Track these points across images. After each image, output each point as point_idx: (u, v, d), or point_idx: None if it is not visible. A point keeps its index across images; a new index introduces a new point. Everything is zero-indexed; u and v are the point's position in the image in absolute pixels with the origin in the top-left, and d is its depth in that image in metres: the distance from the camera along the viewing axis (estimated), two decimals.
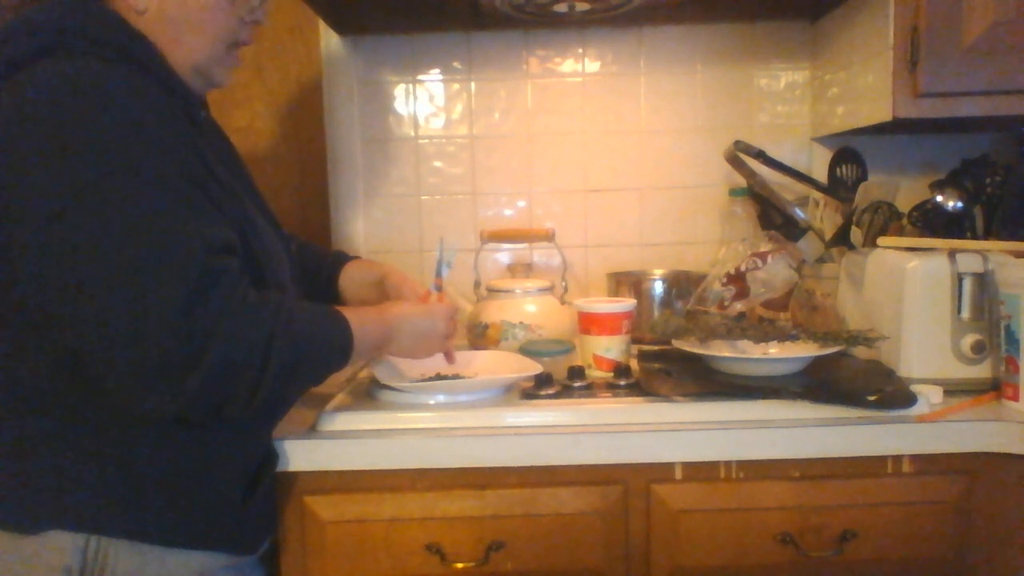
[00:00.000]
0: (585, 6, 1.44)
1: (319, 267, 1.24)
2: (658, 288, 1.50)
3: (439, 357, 1.25)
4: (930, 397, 1.09)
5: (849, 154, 1.53)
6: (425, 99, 1.69)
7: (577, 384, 1.15)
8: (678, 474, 1.06)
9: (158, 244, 0.80)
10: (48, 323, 0.84)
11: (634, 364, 1.24)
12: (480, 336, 1.40)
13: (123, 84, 0.84)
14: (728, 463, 1.06)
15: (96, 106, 0.82)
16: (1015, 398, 1.09)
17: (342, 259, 1.28)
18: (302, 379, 0.92)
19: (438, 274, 1.18)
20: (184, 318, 0.78)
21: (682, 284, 1.50)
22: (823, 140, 1.65)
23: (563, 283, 1.49)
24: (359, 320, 0.99)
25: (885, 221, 1.33)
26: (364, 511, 1.05)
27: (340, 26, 1.62)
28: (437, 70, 1.68)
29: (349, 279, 1.25)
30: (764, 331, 1.25)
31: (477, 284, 1.50)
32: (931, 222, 1.30)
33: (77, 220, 0.79)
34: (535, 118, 1.69)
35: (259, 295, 0.86)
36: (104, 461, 0.88)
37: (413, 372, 1.21)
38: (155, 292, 0.78)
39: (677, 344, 1.23)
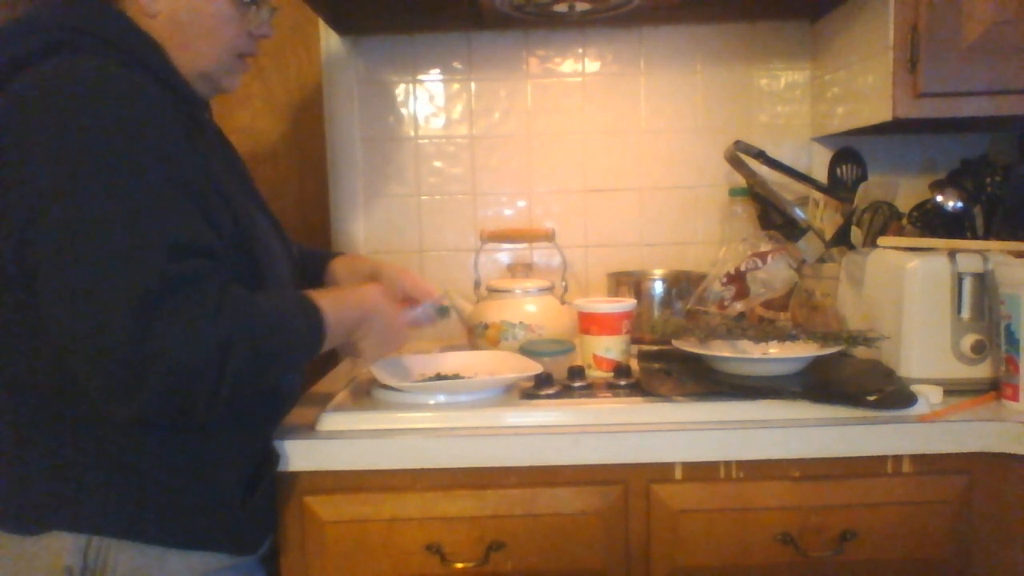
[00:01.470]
0: (585, 6, 1.44)
1: (305, 265, 1.24)
2: (658, 288, 1.50)
3: (439, 357, 1.26)
4: (930, 397, 1.09)
5: (849, 154, 1.53)
6: (425, 99, 1.69)
7: (577, 384, 1.15)
8: (678, 474, 1.06)
9: (121, 247, 0.79)
10: (39, 321, 0.84)
11: (634, 364, 1.24)
12: (480, 336, 1.40)
13: (123, 85, 0.84)
14: (728, 463, 1.06)
15: (90, 106, 0.82)
16: (1015, 398, 1.09)
17: (328, 255, 1.28)
18: (271, 375, 0.91)
19: (438, 311, 1.17)
20: (135, 325, 0.77)
21: (682, 284, 1.50)
22: (823, 140, 1.65)
23: (563, 283, 1.49)
24: (333, 304, 0.97)
25: (885, 221, 1.33)
26: (364, 511, 1.05)
27: (340, 26, 1.62)
28: (437, 70, 1.68)
29: (339, 274, 1.24)
30: (764, 331, 1.25)
31: (477, 284, 1.50)
32: (931, 222, 1.30)
33: (51, 217, 0.80)
34: (535, 118, 1.69)
35: (220, 298, 0.84)
36: (104, 462, 0.88)
37: (413, 372, 1.21)
38: (112, 297, 0.78)
39: (677, 344, 1.23)
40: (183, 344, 0.79)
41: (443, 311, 1.18)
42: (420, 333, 1.38)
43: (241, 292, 0.87)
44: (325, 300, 0.96)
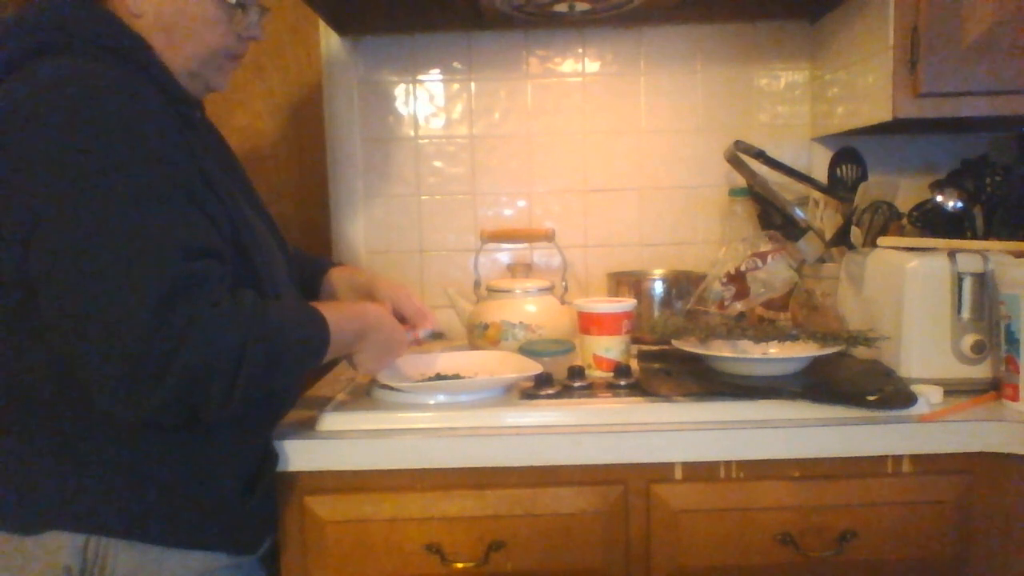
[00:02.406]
0: (585, 6, 1.44)
1: (302, 272, 1.23)
2: (658, 288, 1.50)
3: (439, 357, 1.25)
4: (930, 397, 1.09)
5: (849, 154, 1.53)
6: (425, 99, 1.69)
7: (577, 384, 1.15)
8: (678, 474, 1.06)
9: (132, 249, 0.79)
10: (40, 324, 0.84)
11: (634, 364, 1.24)
12: (480, 336, 1.40)
13: (117, 85, 0.84)
14: (728, 463, 1.06)
15: (88, 108, 0.82)
16: (1015, 398, 1.09)
17: (324, 265, 1.28)
18: (278, 380, 0.91)
19: (431, 335, 1.19)
20: (153, 325, 0.78)
21: (682, 284, 1.50)
22: (823, 140, 1.65)
23: (563, 283, 1.49)
24: (337, 317, 0.98)
25: (885, 221, 1.33)
26: (364, 511, 1.05)
27: (340, 26, 1.62)
28: (437, 70, 1.68)
29: (336, 284, 1.24)
30: (764, 331, 1.25)
31: (477, 284, 1.50)
32: (931, 222, 1.30)
33: (55, 220, 0.79)
34: (535, 118, 1.69)
35: (234, 300, 0.85)
36: (104, 462, 0.88)
37: (413, 372, 1.21)
38: (125, 298, 0.78)
39: (677, 344, 1.23)
40: (203, 345, 0.80)
41: (436, 336, 1.19)
42: None
43: (253, 295, 0.88)
44: (329, 312, 0.97)
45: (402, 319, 1.18)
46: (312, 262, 1.27)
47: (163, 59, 0.94)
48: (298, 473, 1.04)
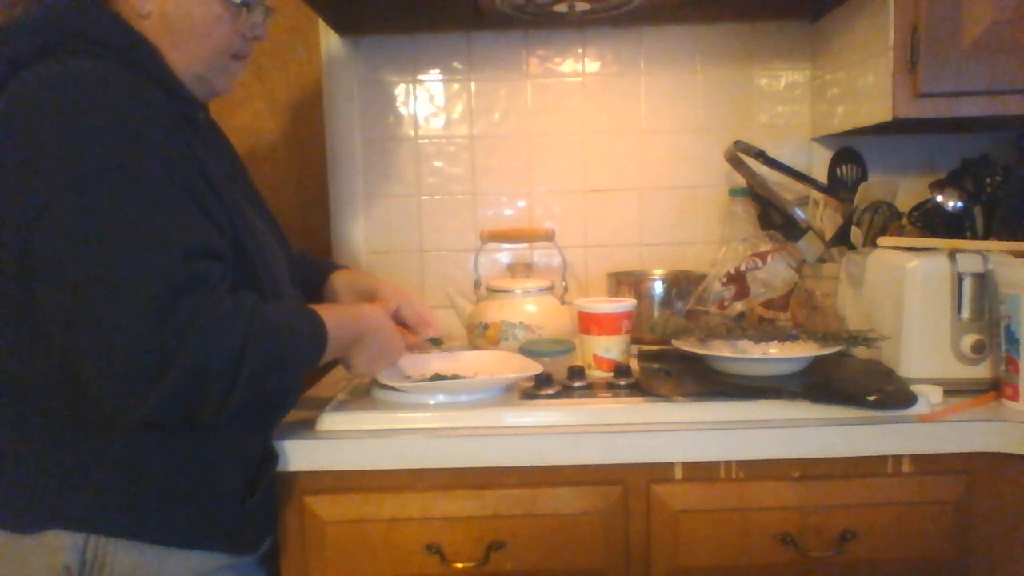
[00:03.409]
0: (585, 6, 1.44)
1: (305, 274, 1.24)
2: (658, 288, 1.50)
3: (439, 357, 1.26)
4: (930, 397, 1.09)
5: (849, 154, 1.53)
6: (425, 99, 1.69)
7: (577, 384, 1.15)
8: (678, 474, 1.06)
9: (133, 249, 0.79)
10: (41, 323, 0.84)
11: (634, 364, 1.24)
12: (480, 336, 1.40)
13: (120, 86, 0.85)
14: (728, 463, 1.06)
15: (91, 108, 0.82)
16: (1015, 398, 1.09)
17: (328, 268, 1.28)
18: (276, 382, 0.91)
19: (432, 341, 1.20)
20: (153, 325, 0.78)
21: (682, 284, 1.50)
22: (823, 140, 1.65)
23: (563, 283, 1.49)
24: (334, 319, 0.98)
25: (885, 221, 1.33)
26: (364, 511, 1.05)
27: (340, 26, 1.62)
28: (437, 70, 1.68)
29: (339, 288, 1.25)
30: (764, 331, 1.25)
31: (477, 284, 1.50)
32: (931, 222, 1.30)
33: (57, 219, 0.79)
34: (535, 118, 1.69)
35: (234, 301, 0.85)
36: (104, 461, 0.88)
37: (413, 372, 1.21)
38: (126, 299, 0.78)
39: (677, 344, 1.23)
40: (202, 346, 0.80)
41: (436, 342, 1.20)
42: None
43: (252, 296, 0.88)
44: (327, 314, 0.97)
45: (404, 324, 1.18)
46: (316, 265, 1.28)
47: (168, 60, 0.94)
48: (298, 473, 1.04)
